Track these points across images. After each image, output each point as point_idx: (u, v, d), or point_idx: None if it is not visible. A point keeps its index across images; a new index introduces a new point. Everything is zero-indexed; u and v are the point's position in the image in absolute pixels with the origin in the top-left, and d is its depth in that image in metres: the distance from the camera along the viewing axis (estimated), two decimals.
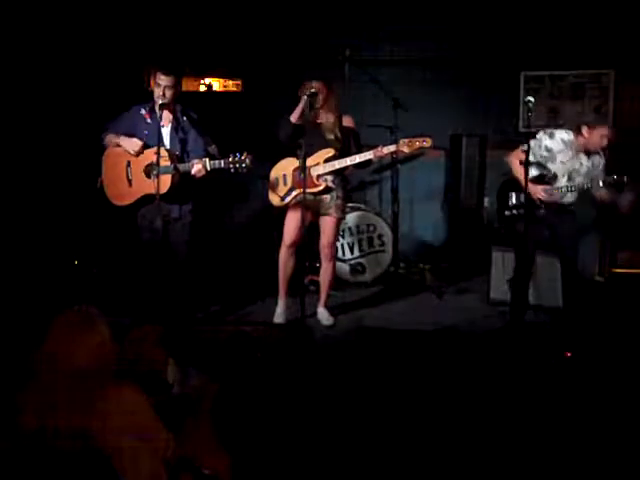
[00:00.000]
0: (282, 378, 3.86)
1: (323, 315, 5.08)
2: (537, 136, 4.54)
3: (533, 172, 4.51)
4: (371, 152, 4.71)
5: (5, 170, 5.43)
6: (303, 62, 6.59)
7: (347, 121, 4.86)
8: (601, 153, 4.53)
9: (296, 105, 4.68)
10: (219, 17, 6.71)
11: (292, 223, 4.84)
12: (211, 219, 6.06)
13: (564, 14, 6.41)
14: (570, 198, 4.52)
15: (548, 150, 4.50)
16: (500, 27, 6.57)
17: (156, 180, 4.32)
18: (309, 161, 4.69)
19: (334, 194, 4.86)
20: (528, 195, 4.42)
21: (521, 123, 6.79)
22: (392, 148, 4.73)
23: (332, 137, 4.77)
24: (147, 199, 4.45)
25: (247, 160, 4.38)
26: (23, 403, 2.09)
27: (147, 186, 4.44)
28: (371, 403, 3.63)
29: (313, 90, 4.59)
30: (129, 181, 4.53)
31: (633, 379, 3.85)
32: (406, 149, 4.70)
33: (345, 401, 3.65)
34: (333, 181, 4.83)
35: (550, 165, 4.51)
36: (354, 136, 4.88)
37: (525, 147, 4.34)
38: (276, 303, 5.04)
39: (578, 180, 4.50)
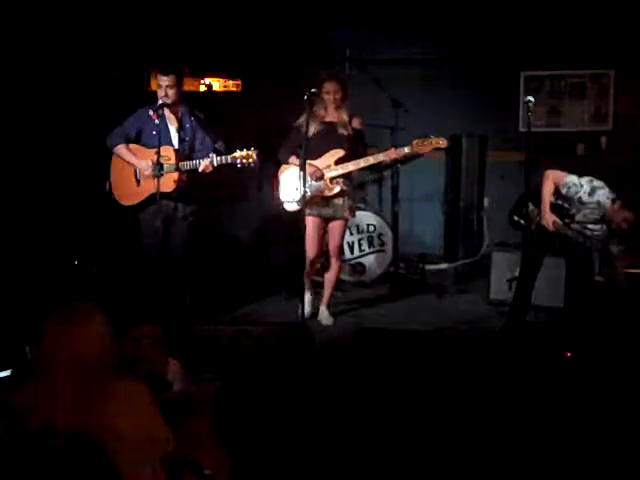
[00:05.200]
0: (282, 378, 3.86)
1: (323, 314, 5.07)
2: (582, 181, 4.37)
3: (556, 199, 4.48)
4: (384, 154, 4.70)
5: (8, 171, 5.43)
6: (303, 62, 6.59)
7: (355, 122, 4.86)
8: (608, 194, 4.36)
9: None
10: (219, 17, 6.71)
11: (311, 238, 4.76)
12: (212, 219, 6.07)
13: (564, 14, 6.42)
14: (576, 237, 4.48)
15: (581, 202, 4.38)
16: (500, 27, 6.58)
17: (159, 179, 4.32)
18: (319, 163, 4.71)
19: (345, 196, 4.87)
20: (539, 216, 4.44)
21: (521, 123, 6.80)
22: (406, 150, 4.69)
23: (345, 135, 4.76)
24: (154, 198, 4.45)
25: (254, 155, 4.39)
26: (24, 402, 2.09)
27: (155, 185, 4.44)
28: (371, 403, 3.63)
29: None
30: (137, 181, 4.55)
31: (633, 379, 3.84)
32: (421, 150, 4.66)
33: (345, 401, 3.65)
34: (344, 182, 4.82)
35: (574, 209, 4.44)
36: (361, 137, 4.88)
37: (566, 180, 4.36)
38: (300, 300, 4.87)
39: (589, 234, 4.42)
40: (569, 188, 4.39)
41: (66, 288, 5.19)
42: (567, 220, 4.44)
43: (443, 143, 4.65)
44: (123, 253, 5.50)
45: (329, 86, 4.71)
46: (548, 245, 4.55)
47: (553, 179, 4.45)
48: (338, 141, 4.75)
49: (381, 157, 4.71)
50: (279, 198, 4.96)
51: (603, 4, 6.33)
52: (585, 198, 4.36)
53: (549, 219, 4.43)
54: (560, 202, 4.47)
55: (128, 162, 4.56)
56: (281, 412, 3.47)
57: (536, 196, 4.54)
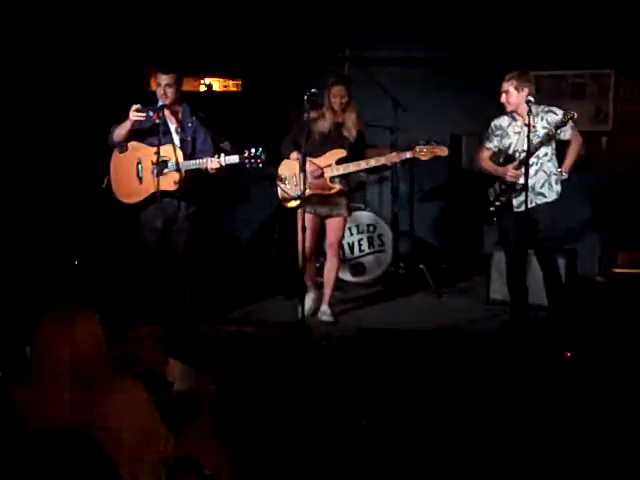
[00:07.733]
0: (282, 378, 3.86)
1: (325, 313, 5.07)
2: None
3: (500, 158, 4.56)
4: (385, 157, 4.73)
5: (9, 171, 5.43)
6: (303, 62, 6.58)
7: (360, 124, 4.88)
8: (556, 110, 4.45)
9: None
10: (218, 17, 6.70)
11: (308, 235, 4.72)
12: (212, 219, 6.07)
13: (564, 14, 6.41)
14: (537, 168, 4.45)
15: (499, 128, 4.54)
16: (500, 27, 6.57)
17: (161, 178, 4.32)
18: (320, 161, 4.73)
19: (344, 195, 4.90)
20: (503, 181, 4.47)
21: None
22: (408, 155, 4.72)
23: (349, 137, 4.79)
24: (156, 197, 4.43)
25: (262, 155, 4.39)
26: (23, 403, 2.09)
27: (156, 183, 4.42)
28: (371, 403, 3.63)
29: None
30: (139, 179, 4.52)
31: (633, 379, 3.84)
32: (422, 157, 4.68)
33: (344, 401, 3.65)
34: (342, 182, 4.84)
35: (506, 141, 4.52)
36: (363, 138, 4.90)
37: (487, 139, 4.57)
38: (300, 300, 4.73)
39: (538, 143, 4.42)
40: (490, 139, 4.57)
41: (66, 288, 5.19)
42: (515, 157, 4.43)
43: (444, 152, 4.67)
44: (124, 252, 5.50)
45: (336, 90, 4.74)
46: (517, 224, 4.48)
47: (481, 153, 4.63)
48: (342, 142, 4.79)
49: (382, 160, 4.74)
50: (278, 194, 4.96)
51: (603, 4, 6.33)
52: (498, 122, 4.53)
53: (506, 172, 4.45)
54: (504, 155, 4.51)
55: (127, 127, 4.40)
56: (281, 412, 3.47)
57: (488, 182, 4.63)
